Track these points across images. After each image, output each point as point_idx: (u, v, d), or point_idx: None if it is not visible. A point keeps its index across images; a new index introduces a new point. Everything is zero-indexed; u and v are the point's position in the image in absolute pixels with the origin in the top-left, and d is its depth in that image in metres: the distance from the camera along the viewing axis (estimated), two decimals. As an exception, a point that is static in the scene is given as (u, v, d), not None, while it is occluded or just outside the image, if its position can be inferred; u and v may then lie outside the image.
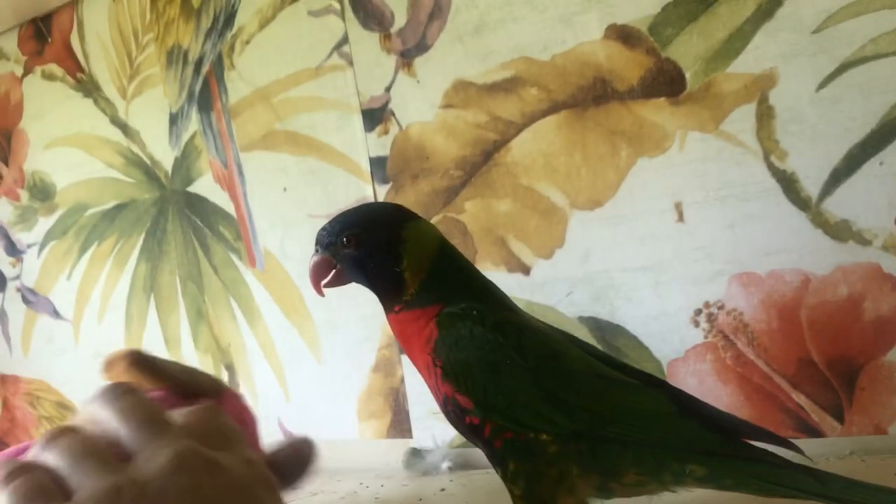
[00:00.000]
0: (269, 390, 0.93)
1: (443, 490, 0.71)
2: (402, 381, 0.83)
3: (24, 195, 1.13)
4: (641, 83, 0.68)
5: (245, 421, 0.39)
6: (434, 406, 0.52)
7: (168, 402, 0.35)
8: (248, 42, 0.89)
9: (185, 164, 0.97)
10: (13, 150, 1.13)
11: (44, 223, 1.11)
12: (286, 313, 0.90)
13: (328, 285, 0.54)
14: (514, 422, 0.47)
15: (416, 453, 0.79)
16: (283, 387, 0.92)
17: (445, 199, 0.78)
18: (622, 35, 0.68)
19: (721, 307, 0.67)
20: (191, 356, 0.99)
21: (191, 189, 0.97)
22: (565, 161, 0.72)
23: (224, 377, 0.96)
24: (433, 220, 0.78)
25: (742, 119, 0.64)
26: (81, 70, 1.04)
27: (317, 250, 0.54)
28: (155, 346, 1.01)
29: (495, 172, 0.75)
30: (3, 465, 0.27)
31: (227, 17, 0.90)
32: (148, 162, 1.00)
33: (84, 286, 1.08)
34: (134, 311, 1.04)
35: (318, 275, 0.54)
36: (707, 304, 0.67)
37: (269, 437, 0.37)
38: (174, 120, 0.97)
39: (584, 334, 0.72)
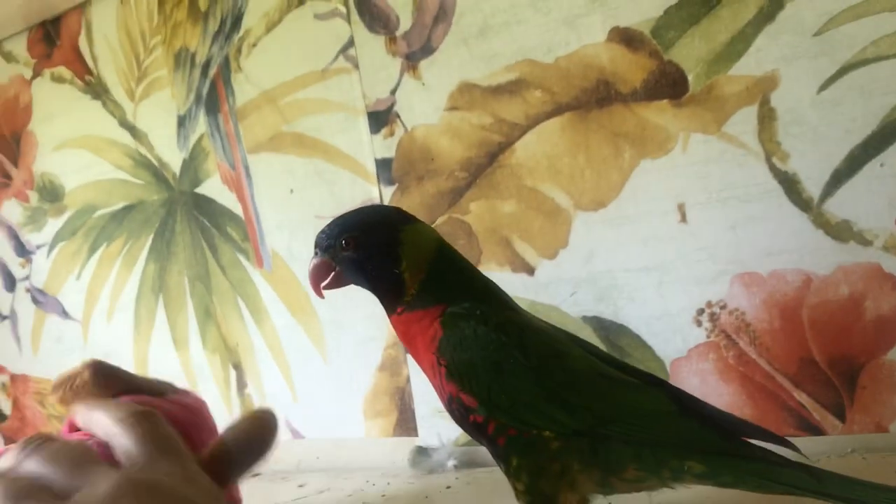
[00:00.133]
0: (276, 389, 0.93)
1: (448, 488, 0.71)
2: (408, 380, 0.83)
3: (33, 196, 1.14)
4: (644, 85, 0.68)
5: (194, 419, 0.41)
6: (439, 405, 0.53)
7: (94, 442, 0.35)
8: (254, 45, 0.90)
9: (192, 166, 0.97)
10: (22, 151, 1.14)
11: (53, 224, 1.12)
12: (293, 313, 0.91)
13: (328, 287, 0.55)
14: (518, 420, 0.48)
15: (421, 451, 0.80)
16: (290, 385, 0.93)
17: (450, 200, 0.79)
18: (625, 38, 0.68)
19: (723, 307, 0.67)
20: (199, 356, 1.00)
21: (199, 190, 0.97)
22: (569, 162, 0.72)
23: (232, 376, 0.97)
24: (438, 221, 0.79)
25: (744, 121, 0.65)
26: (90, 73, 1.05)
27: (316, 253, 0.55)
28: (163, 346, 1.03)
29: (500, 174, 0.76)
30: None
31: (234, 21, 0.91)
32: (156, 164, 1.01)
33: (93, 286, 1.08)
34: (142, 312, 1.04)
35: (317, 277, 0.54)
36: (709, 304, 0.68)
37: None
38: (182, 122, 0.98)
39: (587, 334, 0.72)
